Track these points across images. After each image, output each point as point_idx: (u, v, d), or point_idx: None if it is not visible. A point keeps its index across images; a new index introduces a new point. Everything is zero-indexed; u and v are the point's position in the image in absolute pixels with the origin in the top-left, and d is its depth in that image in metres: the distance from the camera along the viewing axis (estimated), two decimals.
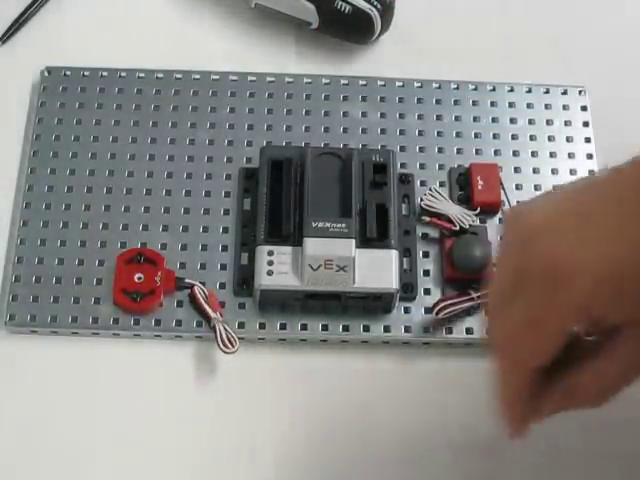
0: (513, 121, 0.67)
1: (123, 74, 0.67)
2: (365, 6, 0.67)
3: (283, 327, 0.60)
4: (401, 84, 0.68)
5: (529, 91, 0.68)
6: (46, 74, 0.67)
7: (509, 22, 0.73)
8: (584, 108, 0.68)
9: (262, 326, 0.60)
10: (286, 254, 0.58)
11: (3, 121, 0.67)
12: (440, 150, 0.66)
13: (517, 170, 0.65)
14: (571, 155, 0.66)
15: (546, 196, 0.45)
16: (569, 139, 0.67)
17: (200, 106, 0.67)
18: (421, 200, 0.63)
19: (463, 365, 0.60)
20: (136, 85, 0.67)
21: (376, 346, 0.60)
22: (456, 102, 0.68)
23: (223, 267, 0.61)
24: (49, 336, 0.60)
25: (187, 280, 0.60)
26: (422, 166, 0.65)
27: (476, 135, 0.67)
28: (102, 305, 0.60)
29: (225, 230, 0.62)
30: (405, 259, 0.61)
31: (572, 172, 0.66)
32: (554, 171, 0.66)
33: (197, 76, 0.68)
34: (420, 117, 0.67)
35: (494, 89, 0.68)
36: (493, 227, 0.62)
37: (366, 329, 0.60)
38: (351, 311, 0.60)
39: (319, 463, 0.57)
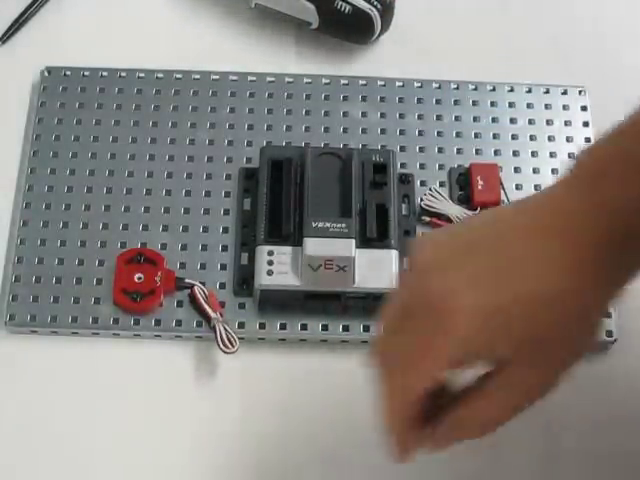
0: (513, 121, 0.67)
1: (123, 74, 0.68)
2: (365, 6, 0.67)
3: (283, 327, 0.60)
4: (401, 84, 0.68)
5: (529, 91, 0.68)
6: (46, 74, 0.67)
7: (509, 22, 0.73)
8: (584, 108, 0.68)
9: (262, 326, 0.60)
10: (286, 254, 0.58)
11: (3, 121, 0.67)
12: (440, 150, 0.66)
13: (517, 170, 0.65)
14: (571, 155, 0.66)
15: (449, 229, 0.46)
16: (569, 139, 0.67)
17: (200, 106, 0.67)
18: (421, 200, 0.63)
19: None
20: (136, 85, 0.67)
21: None
22: (456, 102, 0.68)
23: (223, 267, 0.61)
24: (49, 336, 0.60)
25: (187, 280, 0.60)
26: (422, 166, 0.65)
27: (476, 135, 0.67)
28: (102, 305, 0.60)
29: (225, 230, 0.62)
30: (405, 259, 0.61)
31: None
32: (554, 171, 0.66)
33: (197, 76, 0.68)
34: (420, 117, 0.67)
35: (494, 89, 0.68)
36: None
37: (366, 329, 0.60)
38: (351, 311, 0.60)
39: (320, 462, 0.57)
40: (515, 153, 0.66)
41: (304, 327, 0.60)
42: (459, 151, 0.66)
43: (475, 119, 0.67)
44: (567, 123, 0.68)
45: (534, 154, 0.66)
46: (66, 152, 0.65)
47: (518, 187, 0.64)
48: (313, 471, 0.57)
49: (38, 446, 0.57)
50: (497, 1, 0.74)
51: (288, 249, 0.59)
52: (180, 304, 0.60)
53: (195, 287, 0.60)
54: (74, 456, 0.57)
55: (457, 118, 0.67)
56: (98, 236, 0.62)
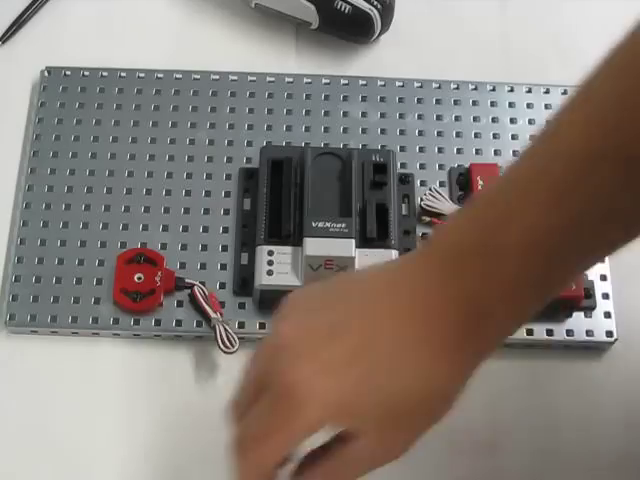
0: (513, 121, 0.67)
1: (123, 74, 0.67)
2: (365, 6, 0.67)
3: None
4: (401, 84, 0.68)
5: (529, 91, 0.68)
6: (46, 74, 0.67)
7: (509, 22, 0.73)
8: None
9: (262, 326, 0.60)
10: (286, 254, 0.58)
11: (3, 121, 0.67)
12: (440, 150, 0.66)
13: None
14: None
15: (314, 302, 0.45)
16: None
17: (200, 106, 0.67)
18: (421, 200, 0.63)
19: None
20: (136, 85, 0.67)
21: None
22: (456, 102, 0.68)
23: (223, 267, 0.61)
24: (49, 336, 0.60)
25: (187, 280, 0.60)
26: (422, 166, 0.65)
27: (476, 135, 0.67)
28: (102, 305, 0.60)
29: (225, 230, 0.62)
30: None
31: None
32: None
33: (197, 76, 0.68)
34: (420, 117, 0.67)
35: (494, 89, 0.68)
36: None
37: None
38: None
39: None
40: (515, 153, 0.66)
41: None
42: (459, 151, 0.66)
43: (475, 119, 0.67)
44: None
45: None
46: (66, 152, 0.65)
47: None
48: None
49: (38, 446, 0.57)
50: (497, 1, 0.74)
51: (288, 249, 0.59)
52: (180, 304, 0.60)
53: (195, 287, 0.60)
54: (74, 456, 0.57)
55: (457, 118, 0.67)
56: (98, 236, 0.62)
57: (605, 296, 0.61)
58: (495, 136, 0.67)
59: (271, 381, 0.42)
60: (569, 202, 0.40)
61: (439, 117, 0.67)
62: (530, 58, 0.71)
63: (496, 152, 0.66)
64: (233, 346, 0.58)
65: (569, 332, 0.60)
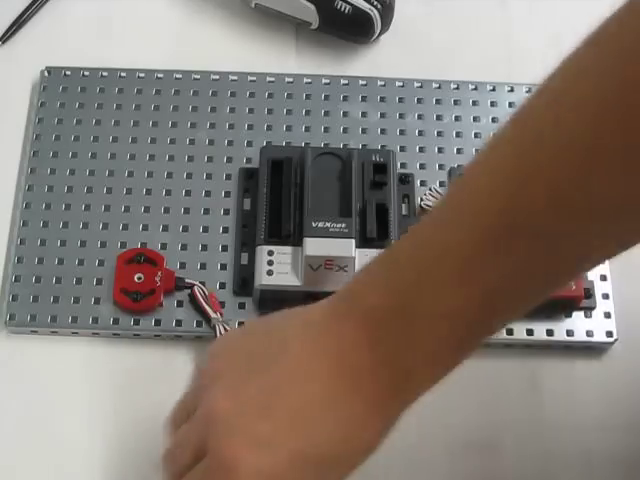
0: None
1: (123, 74, 0.67)
2: (365, 6, 0.67)
3: None
4: (401, 84, 0.68)
5: (529, 91, 0.68)
6: (46, 74, 0.67)
7: (509, 22, 0.73)
8: None
9: None
10: (286, 254, 0.58)
11: (3, 121, 0.67)
12: (440, 150, 0.66)
13: None
14: None
15: (241, 353, 0.46)
16: None
17: (200, 106, 0.67)
18: (421, 200, 0.63)
19: (464, 364, 0.59)
20: (136, 85, 0.67)
21: None
22: (456, 102, 0.68)
23: (223, 267, 0.61)
24: (49, 336, 0.60)
25: (187, 280, 0.60)
26: (422, 166, 0.65)
27: (476, 135, 0.67)
28: (102, 305, 0.60)
29: (225, 230, 0.62)
30: None
31: None
32: None
33: (197, 76, 0.68)
34: (420, 117, 0.67)
35: (494, 89, 0.68)
36: None
37: None
38: None
39: None
40: None
41: None
42: (459, 151, 0.66)
43: (475, 119, 0.67)
44: None
45: None
46: (66, 152, 0.65)
47: None
48: None
49: (38, 446, 0.57)
50: (497, 1, 0.74)
51: (288, 249, 0.59)
52: (180, 304, 0.60)
53: (195, 287, 0.60)
54: (74, 456, 0.57)
55: (457, 118, 0.67)
56: (98, 236, 0.62)
57: (605, 296, 0.61)
58: None
59: (207, 451, 0.43)
60: (479, 281, 0.40)
61: (439, 117, 0.67)
62: (530, 58, 0.71)
63: None
64: None
65: (569, 332, 0.60)
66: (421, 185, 0.64)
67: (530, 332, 0.60)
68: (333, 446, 0.43)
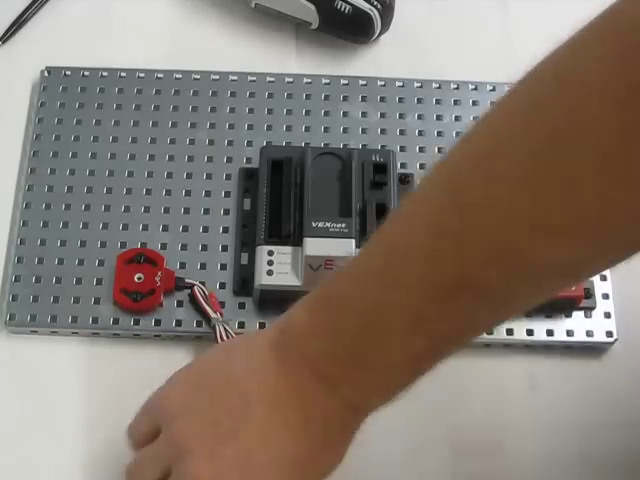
0: None
1: (123, 74, 0.67)
2: (365, 6, 0.67)
3: None
4: (401, 84, 0.68)
5: None
6: (46, 74, 0.67)
7: (509, 22, 0.73)
8: None
9: (262, 326, 0.60)
10: (286, 254, 0.58)
11: (3, 121, 0.67)
12: (440, 150, 0.66)
13: None
14: None
15: (195, 394, 0.47)
16: None
17: (200, 106, 0.67)
18: None
19: (464, 364, 0.59)
20: (136, 85, 0.67)
21: None
22: (456, 102, 0.68)
23: (223, 267, 0.61)
24: (49, 336, 0.60)
25: (187, 280, 0.60)
26: (422, 166, 0.65)
27: None
28: (102, 305, 0.60)
29: (225, 230, 0.62)
30: None
31: None
32: None
33: (197, 76, 0.68)
34: (420, 117, 0.67)
35: (494, 89, 0.68)
36: None
37: None
38: None
39: None
40: None
41: None
42: None
43: (475, 119, 0.67)
44: None
45: None
46: (66, 152, 0.65)
47: None
48: None
49: (38, 446, 0.57)
50: (497, 1, 0.74)
51: (288, 249, 0.59)
52: (180, 304, 0.60)
53: (195, 287, 0.60)
54: (74, 456, 0.57)
55: (457, 118, 0.67)
56: (98, 236, 0.62)
57: (605, 296, 0.61)
58: None
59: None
60: (424, 332, 0.41)
61: (439, 117, 0.67)
62: (530, 58, 0.71)
63: None
64: None
65: (569, 332, 0.60)
66: None
67: (530, 332, 0.60)
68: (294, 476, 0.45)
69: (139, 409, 0.50)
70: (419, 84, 0.68)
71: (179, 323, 0.60)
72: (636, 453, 0.58)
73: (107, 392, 0.59)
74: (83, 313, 0.60)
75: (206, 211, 0.63)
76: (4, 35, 0.70)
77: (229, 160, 0.65)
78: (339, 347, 0.43)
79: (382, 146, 0.66)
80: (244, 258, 0.61)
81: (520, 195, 0.37)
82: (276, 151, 0.63)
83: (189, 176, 0.64)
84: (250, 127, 0.66)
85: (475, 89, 0.68)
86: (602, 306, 0.60)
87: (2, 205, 0.64)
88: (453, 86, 0.68)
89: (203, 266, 0.61)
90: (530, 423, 0.59)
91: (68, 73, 0.67)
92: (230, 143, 0.66)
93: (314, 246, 0.58)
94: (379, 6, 0.68)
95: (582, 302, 0.60)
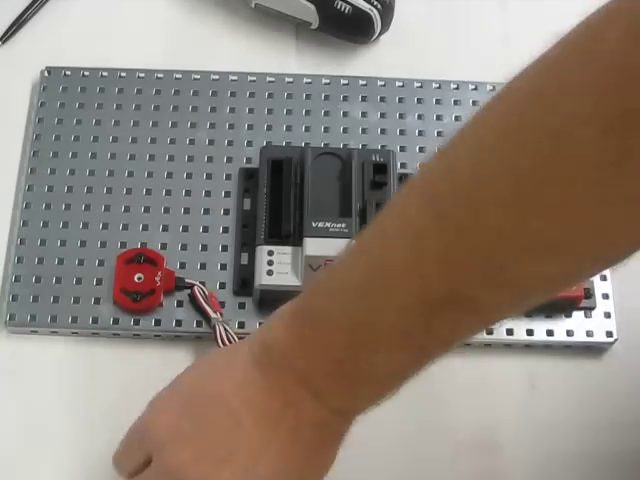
0: None
1: (123, 74, 0.67)
2: (365, 6, 0.67)
3: None
4: (401, 84, 0.68)
5: None
6: (46, 74, 0.67)
7: (509, 22, 0.73)
8: None
9: None
10: (286, 254, 0.58)
11: (3, 121, 0.67)
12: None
13: None
14: None
15: (182, 417, 0.47)
16: None
17: (200, 106, 0.67)
18: None
19: (465, 364, 0.60)
20: (136, 85, 0.67)
21: None
22: (456, 102, 0.68)
23: (223, 267, 0.61)
24: (49, 336, 0.60)
25: (187, 280, 0.60)
26: None
27: None
28: (102, 305, 0.60)
29: (225, 230, 0.62)
30: None
31: None
32: None
33: (197, 76, 0.68)
34: (420, 117, 0.67)
35: (494, 89, 0.68)
36: None
37: None
38: None
39: None
40: None
41: None
42: None
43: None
44: None
45: None
46: (66, 152, 0.65)
47: None
48: None
49: (38, 446, 0.57)
50: (497, 1, 0.74)
51: (288, 249, 0.59)
52: (180, 304, 0.60)
53: (195, 287, 0.60)
54: (73, 456, 0.57)
55: (457, 118, 0.67)
56: (98, 236, 0.62)
57: (605, 296, 0.61)
58: None
59: None
60: (411, 346, 0.42)
61: (439, 117, 0.67)
62: (530, 58, 0.71)
63: None
64: None
65: (569, 332, 0.60)
66: None
67: (530, 332, 0.60)
68: None
69: (124, 437, 0.49)
70: (419, 84, 0.68)
71: (179, 323, 0.60)
72: (636, 453, 0.58)
73: (107, 392, 0.59)
74: (83, 313, 0.60)
75: (206, 211, 0.63)
76: (4, 35, 0.70)
77: (229, 160, 0.65)
78: (326, 362, 0.43)
79: (382, 146, 0.66)
80: (244, 258, 0.61)
81: (505, 219, 0.37)
82: (276, 151, 0.63)
83: (189, 176, 0.64)
84: (250, 127, 0.66)
85: (475, 89, 0.68)
86: (602, 306, 0.60)
87: (2, 205, 0.64)
88: (453, 86, 0.68)
89: (203, 266, 0.61)
90: (530, 423, 0.59)
91: (68, 73, 0.67)
92: (230, 143, 0.66)
93: (314, 246, 0.58)
94: (379, 6, 0.68)
95: (582, 302, 0.60)
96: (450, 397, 0.59)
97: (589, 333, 0.60)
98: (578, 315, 0.60)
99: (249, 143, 0.65)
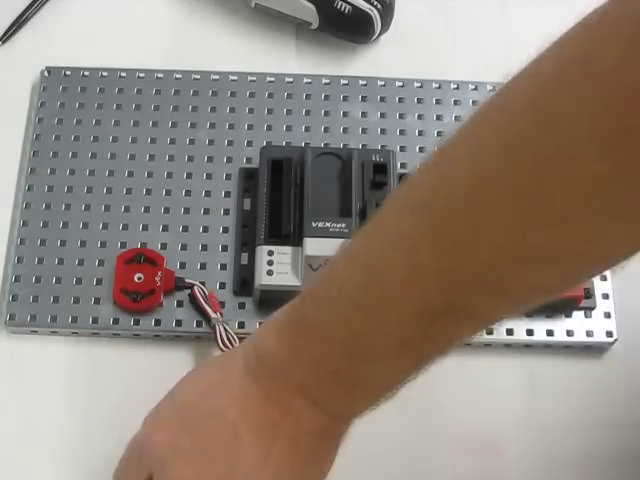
0: None
1: (123, 74, 0.67)
2: (365, 6, 0.67)
3: None
4: (401, 84, 0.68)
5: None
6: (46, 74, 0.67)
7: (509, 22, 0.73)
8: None
9: None
10: (286, 254, 0.58)
11: (3, 121, 0.67)
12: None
13: None
14: None
15: (180, 433, 0.47)
16: None
17: (200, 106, 0.67)
18: None
19: (464, 364, 0.60)
20: (136, 85, 0.67)
21: None
22: (456, 102, 0.68)
23: (223, 267, 0.61)
24: (49, 336, 0.60)
25: (187, 280, 0.60)
26: None
27: None
28: (102, 305, 0.60)
29: (225, 230, 0.62)
30: None
31: None
32: None
33: (197, 76, 0.68)
34: (420, 117, 0.67)
35: (494, 89, 0.68)
36: None
37: None
38: None
39: None
40: None
41: None
42: None
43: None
44: None
45: None
46: (66, 152, 0.65)
47: None
48: None
49: (38, 446, 0.57)
50: (497, 1, 0.74)
51: (288, 249, 0.59)
52: (180, 304, 0.60)
53: (195, 287, 0.60)
54: (74, 456, 0.57)
55: (457, 118, 0.67)
56: (98, 236, 0.62)
57: (605, 296, 0.61)
58: None
59: None
60: (409, 354, 0.42)
61: (439, 117, 0.67)
62: (530, 58, 0.71)
63: None
64: (233, 346, 0.58)
65: (569, 332, 0.60)
66: None
67: (530, 332, 0.60)
68: None
69: (124, 454, 0.49)
70: (419, 84, 0.68)
71: (179, 323, 0.60)
72: (636, 453, 0.58)
73: (107, 392, 0.59)
74: (83, 313, 0.60)
75: (206, 211, 0.63)
76: (4, 35, 0.70)
77: (229, 160, 0.65)
78: (321, 372, 0.43)
79: (382, 146, 0.66)
80: (244, 258, 0.61)
81: (504, 233, 0.37)
82: (276, 151, 0.63)
83: (189, 176, 0.64)
84: (250, 127, 0.66)
85: (475, 89, 0.68)
86: (602, 306, 0.60)
87: (2, 205, 0.64)
88: (453, 86, 0.68)
89: (203, 266, 0.61)
90: (530, 423, 0.59)
91: (68, 73, 0.67)
92: (230, 143, 0.66)
93: (314, 246, 0.58)
94: (379, 6, 0.68)
95: (582, 302, 0.60)
96: (450, 397, 0.59)
97: (589, 333, 0.60)
98: (578, 315, 0.60)
99: (249, 143, 0.65)
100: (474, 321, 0.41)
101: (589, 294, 0.60)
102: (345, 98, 0.68)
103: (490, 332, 0.59)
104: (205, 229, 0.62)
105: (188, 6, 0.72)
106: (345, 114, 0.67)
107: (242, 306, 0.60)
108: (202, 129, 0.66)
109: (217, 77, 0.68)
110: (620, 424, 0.59)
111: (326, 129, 0.66)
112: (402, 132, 0.66)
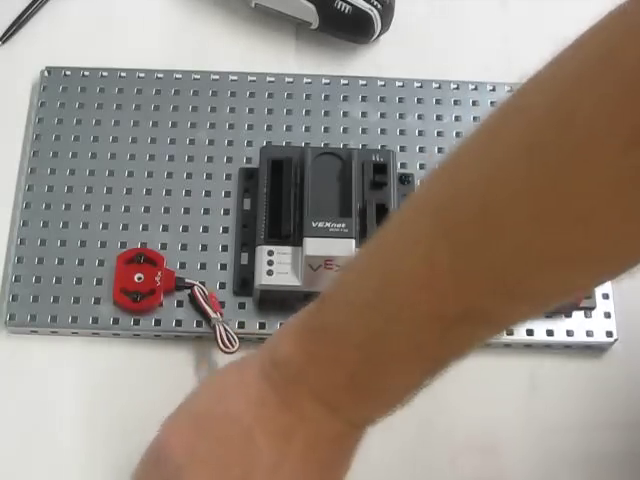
0: None
1: (123, 74, 0.67)
2: (365, 6, 0.67)
3: None
4: (401, 84, 0.68)
5: None
6: (46, 74, 0.67)
7: (510, 22, 0.73)
8: None
9: (262, 326, 0.60)
10: (286, 254, 0.58)
11: (3, 121, 0.67)
12: (440, 150, 0.66)
13: None
14: None
15: (198, 439, 0.46)
16: None
17: (200, 106, 0.67)
18: None
19: (464, 364, 0.59)
20: (136, 85, 0.67)
21: None
22: (456, 102, 0.68)
23: (223, 267, 0.61)
24: (49, 336, 0.60)
25: (187, 280, 0.60)
26: (422, 166, 0.65)
27: None
28: (102, 305, 0.60)
29: (225, 230, 0.62)
30: None
31: None
32: None
33: (197, 76, 0.68)
34: (420, 117, 0.67)
35: (494, 89, 0.68)
36: None
37: None
38: None
39: None
40: None
41: None
42: None
43: (475, 119, 0.67)
44: None
45: None
46: (66, 152, 0.65)
47: None
48: None
49: (38, 446, 0.57)
50: (498, 1, 0.74)
51: (288, 249, 0.59)
52: (180, 304, 0.60)
53: (195, 287, 0.60)
54: (73, 456, 0.57)
55: (457, 118, 0.67)
56: (98, 236, 0.62)
57: (605, 296, 0.61)
58: None
59: None
60: (425, 358, 0.42)
61: (439, 117, 0.67)
62: (530, 58, 0.71)
63: None
64: (233, 346, 0.58)
65: (569, 332, 0.60)
66: None
67: (530, 332, 0.60)
68: None
69: (142, 457, 0.49)
70: (419, 84, 0.68)
71: (179, 323, 0.60)
72: (636, 453, 0.58)
73: (107, 392, 0.59)
74: (83, 313, 0.60)
75: (206, 211, 0.63)
76: (4, 35, 0.70)
77: (229, 160, 0.65)
78: (338, 377, 0.43)
79: (382, 146, 0.66)
80: (244, 258, 0.61)
81: (523, 235, 0.36)
82: (276, 151, 0.63)
83: (189, 176, 0.64)
84: (250, 127, 0.66)
85: (475, 89, 0.68)
86: (602, 306, 0.60)
87: (2, 205, 0.64)
88: (453, 86, 0.68)
89: (203, 266, 0.61)
90: (530, 423, 0.59)
91: (68, 73, 0.67)
92: (230, 143, 0.66)
93: (314, 246, 0.58)
94: (379, 6, 0.68)
95: (582, 302, 0.60)
96: (450, 397, 0.59)
97: (589, 333, 0.60)
98: (578, 315, 0.60)
99: (249, 143, 0.65)
100: (491, 324, 0.40)
101: (589, 294, 0.60)
102: (345, 98, 0.68)
103: None
104: (205, 229, 0.62)
105: (188, 6, 0.72)
106: (345, 114, 0.67)
107: (242, 306, 0.60)
108: (202, 129, 0.66)
109: (217, 77, 0.68)
110: (620, 424, 0.59)
111: (326, 129, 0.66)
112: (402, 132, 0.66)
